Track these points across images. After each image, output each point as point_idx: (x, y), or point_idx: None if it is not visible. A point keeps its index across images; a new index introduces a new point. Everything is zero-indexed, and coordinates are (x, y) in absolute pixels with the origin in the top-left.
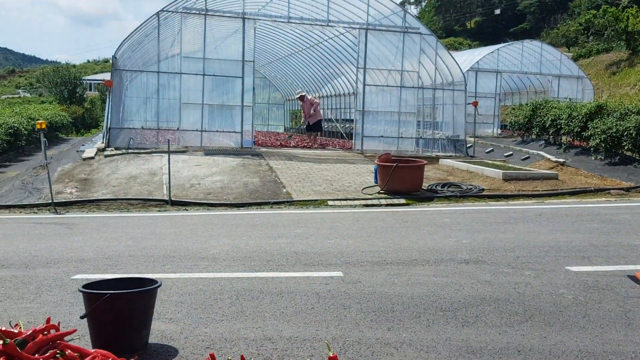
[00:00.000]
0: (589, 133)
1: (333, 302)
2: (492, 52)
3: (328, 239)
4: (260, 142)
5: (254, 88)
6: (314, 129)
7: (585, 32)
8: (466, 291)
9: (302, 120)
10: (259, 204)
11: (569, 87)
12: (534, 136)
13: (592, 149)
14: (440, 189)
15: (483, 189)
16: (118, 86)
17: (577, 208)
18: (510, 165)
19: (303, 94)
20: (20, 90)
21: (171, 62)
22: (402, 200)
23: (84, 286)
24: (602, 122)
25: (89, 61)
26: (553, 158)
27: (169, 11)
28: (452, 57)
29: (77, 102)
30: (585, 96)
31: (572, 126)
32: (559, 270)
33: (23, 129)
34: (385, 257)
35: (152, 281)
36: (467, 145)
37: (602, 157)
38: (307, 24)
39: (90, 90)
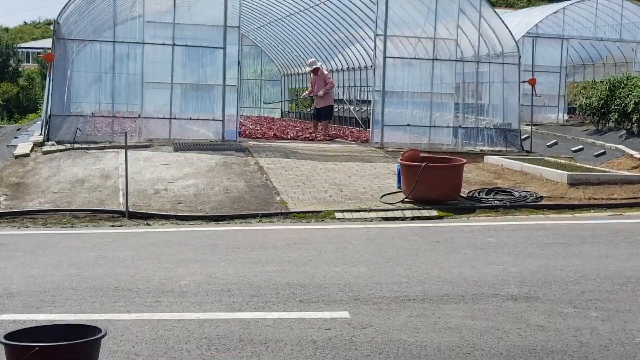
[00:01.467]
0: None
1: (334, 354)
2: (555, 12)
3: (333, 266)
4: (248, 132)
5: (240, 61)
6: (324, 116)
7: None
8: (511, 340)
9: (304, 94)
10: (244, 217)
11: None
12: (611, 124)
13: None
14: (484, 196)
15: (541, 197)
16: (61, 60)
17: None
18: (578, 164)
19: (319, 64)
20: None
21: (131, 27)
22: (434, 212)
23: (7, 336)
24: None
25: (26, 23)
26: (637, 154)
27: None
28: (502, 19)
29: (10, 78)
30: None
31: None
32: (636, 310)
33: None
34: (407, 292)
35: (95, 330)
36: (522, 137)
37: None
38: None
39: (28, 61)
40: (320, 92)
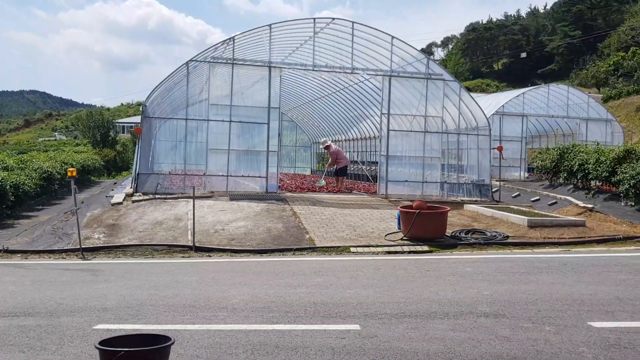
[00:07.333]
0: (618, 178)
1: (347, 358)
2: (517, 95)
3: (348, 289)
4: (285, 186)
5: (280, 133)
6: (340, 173)
7: (615, 72)
8: (483, 348)
9: (327, 165)
10: (281, 251)
11: (597, 130)
12: (561, 180)
13: (621, 194)
14: (464, 235)
15: (507, 236)
16: (147, 132)
17: (604, 257)
18: (536, 211)
19: (329, 143)
20: (56, 133)
21: (199, 108)
22: (425, 247)
23: (101, 342)
24: (631, 167)
25: (122, 104)
26: (581, 204)
27: (198, 60)
28: (476, 102)
29: (110, 145)
30: (614, 139)
31: (600, 171)
32: (580, 325)
33: (56, 173)
34: (404, 309)
35: (166, 338)
36: (493, 190)
37: (633, 203)
38: (332, 72)
39: (123, 132)
40: (332, 168)
